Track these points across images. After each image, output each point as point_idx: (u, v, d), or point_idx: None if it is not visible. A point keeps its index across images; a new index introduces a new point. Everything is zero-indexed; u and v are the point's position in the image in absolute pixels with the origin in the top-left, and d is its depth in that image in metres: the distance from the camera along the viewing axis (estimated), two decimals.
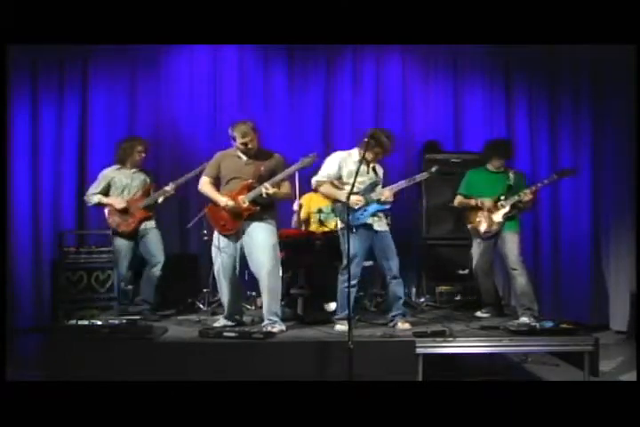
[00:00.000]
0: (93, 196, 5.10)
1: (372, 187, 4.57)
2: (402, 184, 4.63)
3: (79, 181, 6.24)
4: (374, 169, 4.62)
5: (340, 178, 4.54)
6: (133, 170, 5.16)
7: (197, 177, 4.74)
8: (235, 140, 4.47)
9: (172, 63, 6.50)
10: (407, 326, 4.49)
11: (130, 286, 5.12)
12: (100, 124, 6.34)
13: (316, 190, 4.71)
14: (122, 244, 5.05)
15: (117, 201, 5.05)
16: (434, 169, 4.71)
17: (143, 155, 5.15)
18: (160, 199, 5.14)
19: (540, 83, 6.59)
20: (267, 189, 4.36)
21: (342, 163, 4.52)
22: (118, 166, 5.15)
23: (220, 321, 4.64)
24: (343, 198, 4.25)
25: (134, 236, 5.06)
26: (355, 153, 4.55)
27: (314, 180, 4.60)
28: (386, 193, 4.55)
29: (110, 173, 5.13)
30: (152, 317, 4.93)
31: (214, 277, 4.66)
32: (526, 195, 4.88)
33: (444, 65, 6.64)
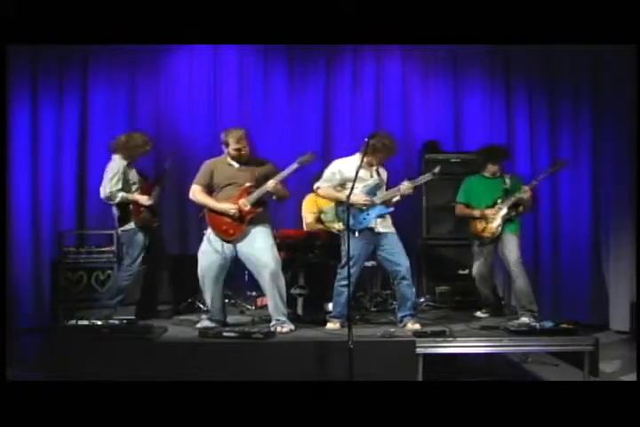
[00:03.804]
0: (117, 192, 4.90)
1: (375, 190, 4.57)
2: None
3: (79, 180, 6.22)
4: (378, 172, 4.63)
5: (342, 184, 4.53)
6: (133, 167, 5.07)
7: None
8: (227, 145, 4.44)
9: (172, 63, 6.48)
10: (417, 326, 4.46)
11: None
12: (99, 124, 6.32)
13: (318, 195, 4.79)
14: (143, 239, 4.95)
15: (144, 198, 4.96)
16: (436, 170, 4.61)
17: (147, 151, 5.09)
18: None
19: (540, 83, 6.56)
20: (274, 185, 4.35)
21: (342, 169, 4.53)
22: (126, 162, 4.99)
23: (203, 322, 4.55)
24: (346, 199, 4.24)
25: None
26: (356, 158, 4.49)
27: (315, 186, 4.66)
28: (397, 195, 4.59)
29: (125, 169, 4.96)
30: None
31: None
32: (526, 192, 4.90)
33: (443, 65, 6.61)
